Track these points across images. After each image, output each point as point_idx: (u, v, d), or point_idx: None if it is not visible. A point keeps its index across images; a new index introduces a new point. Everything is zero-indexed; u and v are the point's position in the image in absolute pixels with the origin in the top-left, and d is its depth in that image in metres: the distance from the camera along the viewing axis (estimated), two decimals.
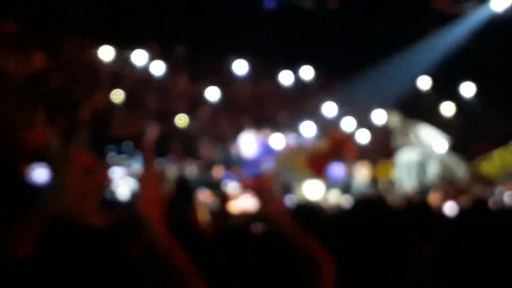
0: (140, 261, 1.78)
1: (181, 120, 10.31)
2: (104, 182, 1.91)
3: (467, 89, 12.44)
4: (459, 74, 12.18)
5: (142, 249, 1.82)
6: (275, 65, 11.66)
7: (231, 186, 7.72)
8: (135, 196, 2.01)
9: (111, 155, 6.89)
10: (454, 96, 12.53)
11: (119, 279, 1.77)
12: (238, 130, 10.26)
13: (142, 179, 1.89)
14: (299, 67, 11.95)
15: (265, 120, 10.91)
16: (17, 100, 8.06)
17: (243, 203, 5.26)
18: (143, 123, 9.64)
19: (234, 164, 9.46)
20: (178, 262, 1.78)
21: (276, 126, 10.83)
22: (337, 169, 10.43)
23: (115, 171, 6.30)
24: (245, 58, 11.46)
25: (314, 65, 11.96)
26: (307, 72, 12.05)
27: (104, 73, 10.10)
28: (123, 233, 1.98)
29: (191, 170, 9.36)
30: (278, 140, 10.31)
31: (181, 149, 9.74)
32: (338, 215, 4.60)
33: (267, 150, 9.85)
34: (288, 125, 11.08)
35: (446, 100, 12.42)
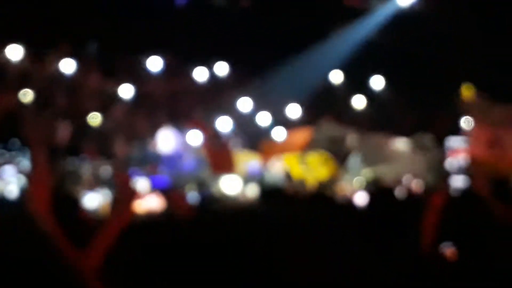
0: (32, 257, 1.83)
1: (94, 118, 10.24)
2: None
3: (377, 82, 12.87)
4: (369, 68, 12.57)
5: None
6: (190, 61, 11.71)
7: (139, 184, 7.75)
8: (24, 193, 2.05)
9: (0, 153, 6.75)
10: (365, 89, 12.93)
11: (12, 275, 1.81)
12: (154, 127, 10.27)
13: (31, 176, 1.92)
14: (213, 63, 12.04)
15: (181, 116, 10.97)
16: None
17: (149, 202, 5.30)
18: (53, 122, 9.51)
19: (150, 161, 9.48)
20: (68, 258, 1.83)
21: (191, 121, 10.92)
22: (253, 164, 10.64)
23: (5, 169, 6.17)
24: (159, 55, 11.46)
25: (228, 61, 12.08)
26: (221, 68, 12.16)
27: (12, 72, 9.88)
28: (16, 230, 2.01)
29: (106, 169, 9.32)
30: (195, 136, 10.42)
31: (95, 148, 9.68)
32: (251, 206, 4.74)
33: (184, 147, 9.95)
34: (205, 120, 11.19)
35: (357, 93, 12.80)
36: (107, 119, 10.33)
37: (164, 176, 9.43)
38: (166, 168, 9.64)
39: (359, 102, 12.88)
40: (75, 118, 9.97)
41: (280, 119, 12.01)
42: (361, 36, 12.25)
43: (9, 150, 6.87)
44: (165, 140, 9.98)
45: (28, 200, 1.92)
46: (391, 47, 11.93)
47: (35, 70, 10.12)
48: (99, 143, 9.79)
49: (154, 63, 11.48)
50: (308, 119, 12.10)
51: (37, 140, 8.95)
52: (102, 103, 10.57)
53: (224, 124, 11.46)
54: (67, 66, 10.55)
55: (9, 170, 6.27)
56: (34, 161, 2.04)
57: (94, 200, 7.07)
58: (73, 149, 9.48)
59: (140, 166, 9.21)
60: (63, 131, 9.61)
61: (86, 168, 9.17)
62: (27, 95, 9.72)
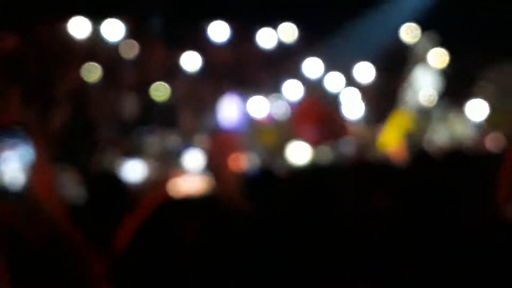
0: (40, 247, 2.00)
1: (161, 91, 10.68)
2: None
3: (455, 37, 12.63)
4: (447, 23, 12.34)
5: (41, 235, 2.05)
6: (254, 25, 11.94)
7: (191, 157, 8.00)
8: (28, 182, 2.16)
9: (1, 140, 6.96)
10: (446, 44, 12.69)
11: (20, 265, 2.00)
12: (219, 96, 10.62)
13: (34, 165, 2.12)
14: (278, 25, 12.22)
15: (247, 83, 11.28)
16: None
17: (188, 184, 5.35)
18: (120, 96, 10.04)
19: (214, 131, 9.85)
20: (77, 248, 2.03)
21: (258, 88, 11.21)
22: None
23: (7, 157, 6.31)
24: (223, 20, 11.73)
25: (295, 23, 12.23)
26: (288, 31, 12.32)
27: (78, 48, 10.44)
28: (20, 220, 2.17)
29: (174, 140, 9.76)
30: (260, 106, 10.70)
31: (161, 121, 10.13)
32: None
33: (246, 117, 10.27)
34: (271, 86, 11.45)
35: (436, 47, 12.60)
36: (172, 91, 10.74)
37: None
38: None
39: (438, 58, 12.70)
40: (141, 91, 10.46)
41: (351, 81, 12.10)
42: None
43: (11, 137, 7.03)
44: (230, 109, 10.32)
45: (32, 190, 2.11)
46: None
47: (99, 45, 10.64)
48: (165, 115, 10.24)
49: (219, 30, 11.75)
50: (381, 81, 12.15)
51: (103, 117, 9.51)
52: (168, 74, 11.00)
53: (292, 88, 11.65)
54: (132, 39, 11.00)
55: (11, 158, 6.34)
56: (35, 149, 2.20)
57: (137, 170, 7.26)
58: (141, 122, 9.98)
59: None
60: (130, 105, 10.14)
61: (153, 140, 9.62)
62: (94, 71, 10.27)
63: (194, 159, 7.92)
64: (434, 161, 4.77)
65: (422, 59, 11.98)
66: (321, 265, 3.00)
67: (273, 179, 4.33)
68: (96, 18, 10.55)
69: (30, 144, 2.23)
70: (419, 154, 4.98)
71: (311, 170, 3.85)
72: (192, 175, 6.21)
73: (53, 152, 7.35)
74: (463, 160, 5.22)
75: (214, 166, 3.05)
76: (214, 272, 2.27)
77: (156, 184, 2.76)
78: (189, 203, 3.37)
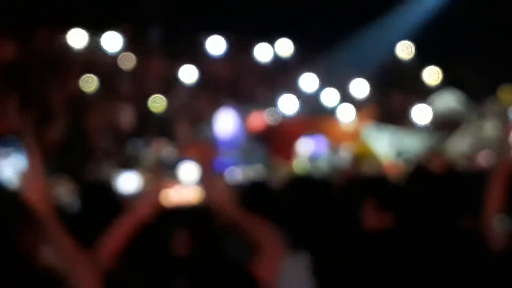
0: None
1: (157, 103, 10.70)
2: None
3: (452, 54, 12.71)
4: (443, 39, 12.44)
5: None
6: (251, 39, 12.00)
7: (185, 168, 8.02)
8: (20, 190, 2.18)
9: None
10: (439, 62, 12.79)
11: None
12: (215, 108, 10.64)
13: (26, 173, 2.15)
14: (275, 40, 12.29)
15: (243, 97, 11.31)
16: None
17: (180, 193, 5.35)
18: (117, 107, 10.06)
19: (211, 143, 9.84)
20: (67, 254, 2.05)
21: (254, 102, 11.24)
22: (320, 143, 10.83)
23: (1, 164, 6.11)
24: (220, 34, 11.79)
25: (291, 38, 12.30)
26: (284, 46, 12.38)
27: (76, 59, 10.47)
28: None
29: (169, 152, 9.75)
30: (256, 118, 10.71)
31: (158, 132, 10.13)
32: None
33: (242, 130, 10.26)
34: (267, 100, 11.47)
35: (429, 65, 12.68)
36: (169, 103, 10.77)
37: (227, 158, 9.78)
38: (228, 150, 10.00)
39: (432, 75, 12.78)
40: (138, 103, 10.48)
41: (347, 97, 12.13)
42: (432, 5, 12.18)
43: (5, 146, 6.79)
44: (226, 122, 10.34)
45: (24, 198, 2.13)
46: (464, 16, 11.79)
47: (97, 56, 10.68)
48: (162, 127, 10.25)
49: (216, 43, 11.81)
50: (376, 96, 12.18)
51: (100, 127, 9.52)
52: (165, 86, 11.03)
53: (288, 103, 11.67)
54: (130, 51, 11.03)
55: (5, 167, 6.16)
56: (29, 158, 2.22)
57: (131, 182, 7.30)
58: (137, 133, 9.99)
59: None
60: (127, 116, 10.15)
61: (149, 152, 9.62)
62: (91, 82, 10.29)
63: (188, 171, 7.93)
64: (427, 176, 4.79)
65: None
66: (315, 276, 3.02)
67: (267, 191, 4.34)
68: (95, 29, 10.61)
69: (25, 152, 2.24)
70: (413, 170, 4.98)
71: (305, 183, 3.84)
72: (185, 186, 6.21)
73: (48, 161, 7.37)
74: (456, 176, 5.24)
75: (207, 177, 3.02)
76: (204, 280, 2.27)
77: (148, 194, 2.73)
78: (180, 212, 3.41)
